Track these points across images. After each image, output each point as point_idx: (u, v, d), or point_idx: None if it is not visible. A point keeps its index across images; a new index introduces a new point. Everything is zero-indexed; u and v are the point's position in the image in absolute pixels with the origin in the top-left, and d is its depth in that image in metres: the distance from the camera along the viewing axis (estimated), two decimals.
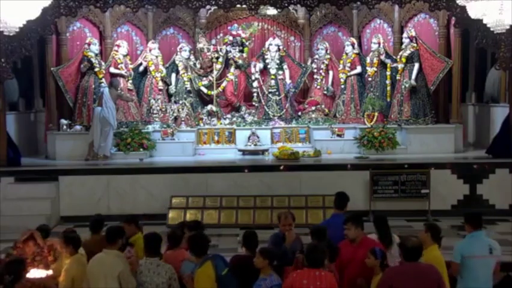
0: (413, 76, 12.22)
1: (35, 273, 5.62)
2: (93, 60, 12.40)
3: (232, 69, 13.68)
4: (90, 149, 11.88)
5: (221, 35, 14.31)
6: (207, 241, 5.56)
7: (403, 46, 12.55)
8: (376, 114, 12.48)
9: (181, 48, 13.56)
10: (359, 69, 13.24)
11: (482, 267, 5.55)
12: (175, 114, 12.88)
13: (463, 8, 9.45)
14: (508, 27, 8.97)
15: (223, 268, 5.28)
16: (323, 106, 13.42)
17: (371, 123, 12.37)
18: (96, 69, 12.44)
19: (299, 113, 13.52)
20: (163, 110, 12.91)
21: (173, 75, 13.51)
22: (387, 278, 5.04)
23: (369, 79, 12.95)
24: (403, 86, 12.35)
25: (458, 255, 5.61)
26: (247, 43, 13.77)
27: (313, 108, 13.32)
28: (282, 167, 10.87)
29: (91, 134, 11.92)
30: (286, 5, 10.68)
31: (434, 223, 6.46)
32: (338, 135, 12.55)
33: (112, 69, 12.84)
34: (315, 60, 13.72)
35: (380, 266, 5.52)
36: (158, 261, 5.52)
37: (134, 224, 6.74)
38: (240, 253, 6.25)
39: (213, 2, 10.33)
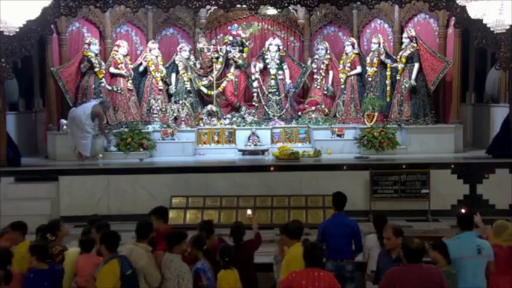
0: (413, 76, 12.20)
1: None
2: (93, 60, 12.37)
3: (232, 69, 13.68)
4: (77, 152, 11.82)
5: (221, 35, 14.29)
6: (118, 238, 5.65)
7: (403, 46, 12.54)
8: (376, 114, 12.47)
9: (181, 48, 13.57)
10: (359, 69, 13.23)
11: (472, 268, 5.54)
12: (175, 114, 12.88)
13: (463, 8, 9.43)
14: (508, 27, 8.95)
15: (128, 269, 5.41)
16: (323, 106, 13.42)
17: (371, 123, 12.36)
18: (96, 69, 12.41)
19: (299, 113, 13.53)
20: (163, 110, 12.91)
21: (173, 75, 13.52)
22: (390, 279, 5.00)
23: (369, 79, 12.93)
24: (403, 86, 12.34)
25: None
26: (247, 43, 13.77)
27: (313, 108, 13.31)
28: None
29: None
30: (286, 5, 10.66)
31: (289, 224, 6.34)
32: (338, 135, 12.54)
33: (112, 69, 12.84)
34: (315, 60, 13.71)
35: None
36: (172, 256, 5.66)
37: (19, 231, 6.10)
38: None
39: (213, 2, 10.33)
